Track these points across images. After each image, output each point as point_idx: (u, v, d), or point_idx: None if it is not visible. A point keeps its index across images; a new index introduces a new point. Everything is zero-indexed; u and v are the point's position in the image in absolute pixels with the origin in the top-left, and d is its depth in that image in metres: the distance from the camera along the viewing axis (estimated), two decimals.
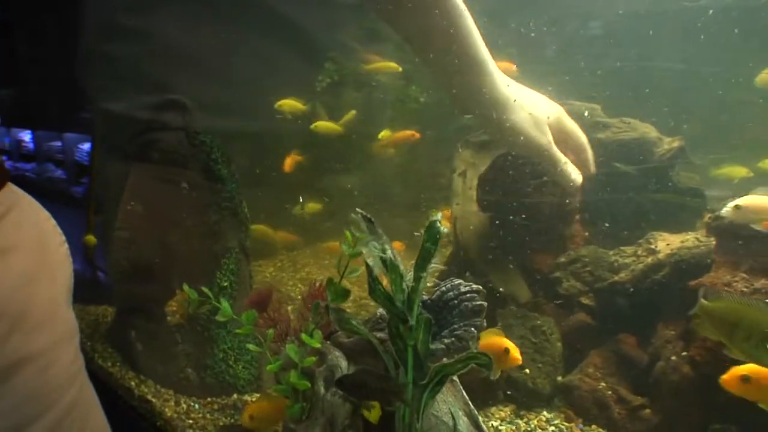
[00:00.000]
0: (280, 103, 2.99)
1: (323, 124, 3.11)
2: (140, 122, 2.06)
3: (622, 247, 2.36)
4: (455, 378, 1.51)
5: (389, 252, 1.33)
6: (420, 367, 1.37)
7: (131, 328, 2.17)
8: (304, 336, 1.62)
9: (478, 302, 1.37)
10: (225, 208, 2.04)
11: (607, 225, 2.58)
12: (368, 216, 1.35)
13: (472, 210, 2.46)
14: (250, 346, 1.71)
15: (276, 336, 1.76)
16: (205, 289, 1.76)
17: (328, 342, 1.64)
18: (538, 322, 2.18)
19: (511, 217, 2.35)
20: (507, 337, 2.14)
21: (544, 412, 2.03)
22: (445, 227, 1.28)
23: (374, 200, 2.95)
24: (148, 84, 2.14)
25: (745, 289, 1.94)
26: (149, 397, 2.03)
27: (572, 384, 2.08)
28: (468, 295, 1.39)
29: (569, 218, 2.41)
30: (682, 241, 2.29)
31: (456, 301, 1.40)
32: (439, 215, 1.29)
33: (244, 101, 2.57)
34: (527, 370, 2.07)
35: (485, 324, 1.37)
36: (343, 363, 1.56)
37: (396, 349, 1.40)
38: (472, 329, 1.36)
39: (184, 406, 2.02)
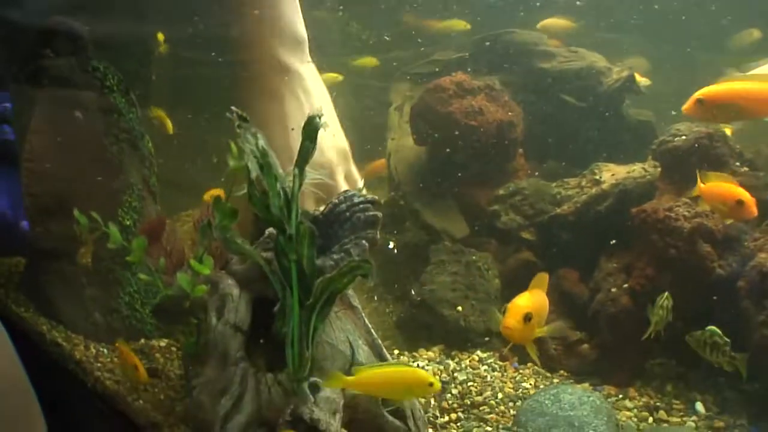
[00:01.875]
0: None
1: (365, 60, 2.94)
2: (31, 45, 1.89)
3: (565, 179, 2.23)
4: (357, 305, 1.37)
5: (263, 150, 1.19)
6: (307, 287, 1.23)
7: (40, 271, 2.04)
8: (192, 262, 1.48)
9: (372, 213, 1.23)
10: (123, 140, 1.88)
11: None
12: (243, 114, 1.20)
13: (407, 144, 2.31)
14: (141, 276, 1.58)
15: (171, 267, 1.62)
16: (95, 215, 1.62)
17: (223, 270, 1.50)
18: (473, 257, 2.04)
19: (447, 150, 2.20)
20: (439, 274, 2.03)
21: (478, 351, 1.90)
22: (324, 126, 1.14)
23: None
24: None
25: (687, 213, 1.81)
26: (60, 341, 1.92)
27: None
28: (361, 206, 1.25)
29: (510, 150, 2.27)
30: (629, 172, 2.15)
31: (348, 214, 1.26)
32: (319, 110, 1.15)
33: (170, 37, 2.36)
34: (459, 308, 1.93)
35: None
36: (236, 291, 1.41)
37: (281, 267, 1.26)
38: (363, 242, 1.22)
39: (93, 350, 1.91)
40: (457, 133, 2.14)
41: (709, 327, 1.55)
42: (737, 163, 1.95)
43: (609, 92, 2.46)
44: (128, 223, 1.91)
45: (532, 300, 1.52)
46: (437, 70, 2.53)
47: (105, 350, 1.91)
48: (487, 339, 1.92)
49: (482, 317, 1.93)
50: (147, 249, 1.59)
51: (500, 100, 2.24)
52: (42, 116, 1.94)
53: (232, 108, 1.20)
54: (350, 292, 1.35)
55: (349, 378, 1.19)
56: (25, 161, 1.93)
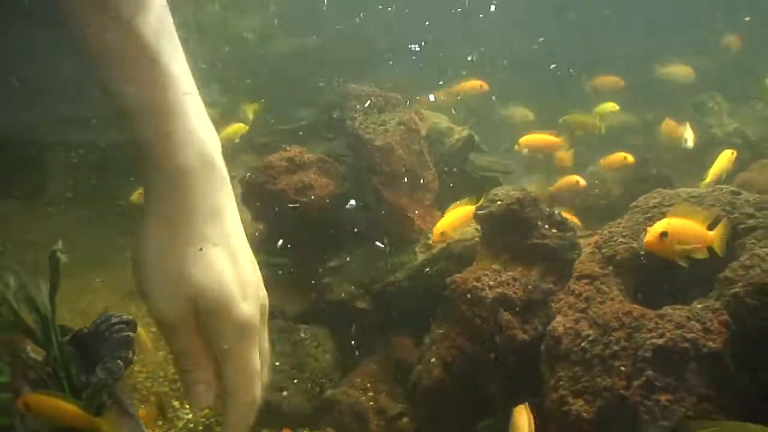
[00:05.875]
0: None
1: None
2: None
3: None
4: (134, 412, 1.54)
5: (18, 282, 1.38)
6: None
7: None
8: None
9: (125, 333, 1.42)
10: None
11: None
12: None
13: (246, 219, 2.49)
14: None
15: None
16: None
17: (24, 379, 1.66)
18: (303, 335, 2.22)
19: (280, 227, 2.39)
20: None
21: None
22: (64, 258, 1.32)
23: None
24: None
25: (492, 283, 2.02)
26: None
27: (333, 399, 2.10)
28: (117, 326, 1.43)
29: (344, 222, 2.46)
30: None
31: (107, 333, 1.44)
32: (59, 244, 1.33)
33: None
34: (285, 393, 2.11)
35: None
36: None
37: (59, 382, 1.45)
38: (118, 362, 1.40)
39: None
40: (288, 210, 2.32)
41: None
42: (546, 226, 2.16)
43: (452, 151, 2.69)
44: None
45: None
46: (278, 139, 2.72)
47: None
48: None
49: (308, 397, 2.11)
50: None
51: (333, 172, 2.44)
52: None
53: None
54: (128, 400, 1.52)
55: None
56: None
